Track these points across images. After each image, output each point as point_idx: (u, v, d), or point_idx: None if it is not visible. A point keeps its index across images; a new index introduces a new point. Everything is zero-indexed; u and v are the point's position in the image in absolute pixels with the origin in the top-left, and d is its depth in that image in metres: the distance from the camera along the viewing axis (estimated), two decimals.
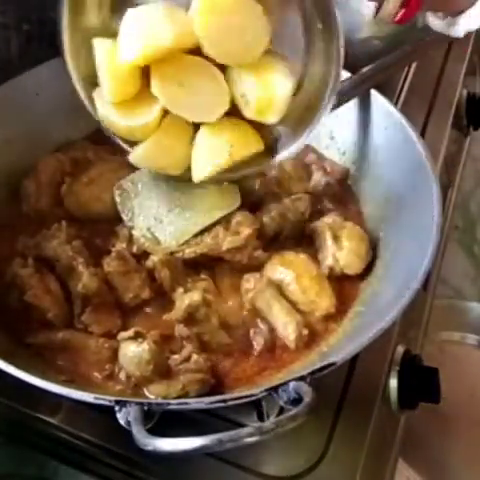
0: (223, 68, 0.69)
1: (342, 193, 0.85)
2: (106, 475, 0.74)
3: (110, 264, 0.72)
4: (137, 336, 0.67)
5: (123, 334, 0.68)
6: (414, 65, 1.13)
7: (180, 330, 0.69)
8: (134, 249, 0.76)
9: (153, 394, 0.65)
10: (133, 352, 0.66)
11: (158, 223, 0.77)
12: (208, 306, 0.70)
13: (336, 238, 0.75)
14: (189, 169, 0.74)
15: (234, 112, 0.71)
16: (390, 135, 0.80)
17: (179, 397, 0.63)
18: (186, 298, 0.70)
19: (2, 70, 0.92)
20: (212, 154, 0.72)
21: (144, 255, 0.75)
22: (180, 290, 0.72)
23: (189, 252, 0.75)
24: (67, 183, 0.83)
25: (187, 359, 0.66)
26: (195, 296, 0.70)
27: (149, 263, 0.73)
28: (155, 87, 0.68)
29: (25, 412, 0.72)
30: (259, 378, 0.68)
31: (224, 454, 0.67)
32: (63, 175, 0.84)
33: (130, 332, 0.67)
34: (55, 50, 0.88)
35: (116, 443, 0.69)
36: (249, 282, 0.73)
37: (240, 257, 0.74)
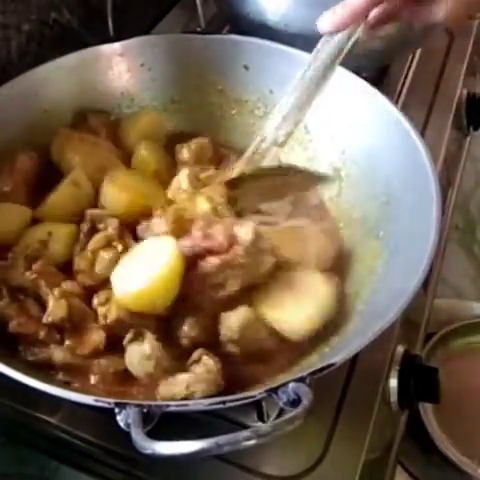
0: None
1: None
2: (106, 475, 0.75)
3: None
4: (137, 336, 0.67)
5: (126, 338, 0.67)
6: (414, 65, 1.13)
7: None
8: None
9: (161, 395, 0.64)
10: (136, 351, 0.66)
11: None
12: None
13: None
14: None
15: None
16: (390, 135, 0.80)
17: (186, 398, 0.63)
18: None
19: (2, 70, 0.92)
20: None
21: None
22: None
23: None
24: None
25: (197, 361, 0.66)
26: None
27: None
28: None
29: (25, 412, 0.72)
30: (265, 379, 0.67)
31: (224, 454, 0.67)
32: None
33: (130, 334, 0.67)
34: (55, 50, 0.88)
35: (116, 443, 0.69)
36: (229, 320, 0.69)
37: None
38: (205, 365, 0.65)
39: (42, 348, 0.68)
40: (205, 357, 0.66)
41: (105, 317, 0.68)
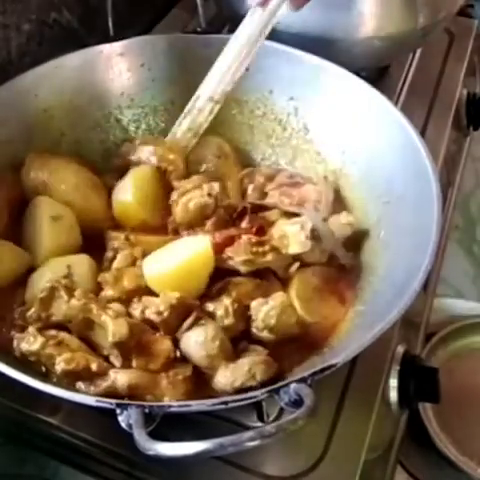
0: None
1: None
2: (106, 475, 0.75)
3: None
4: (197, 320, 0.66)
5: (184, 326, 0.66)
6: (414, 65, 1.13)
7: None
8: None
9: (221, 383, 0.64)
10: (197, 335, 0.66)
11: None
12: None
13: None
14: None
15: None
16: (390, 135, 0.80)
17: (244, 384, 0.63)
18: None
19: (2, 70, 0.92)
20: None
21: None
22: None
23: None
24: None
25: (244, 350, 0.67)
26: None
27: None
28: None
29: (25, 412, 0.72)
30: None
31: (224, 454, 0.67)
32: None
33: (190, 319, 0.66)
34: (55, 50, 0.88)
35: (116, 443, 0.69)
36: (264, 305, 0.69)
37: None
38: (256, 350, 0.66)
39: (101, 380, 0.63)
40: (252, 346, 0.66)
41: (159, 313, 0.66)
